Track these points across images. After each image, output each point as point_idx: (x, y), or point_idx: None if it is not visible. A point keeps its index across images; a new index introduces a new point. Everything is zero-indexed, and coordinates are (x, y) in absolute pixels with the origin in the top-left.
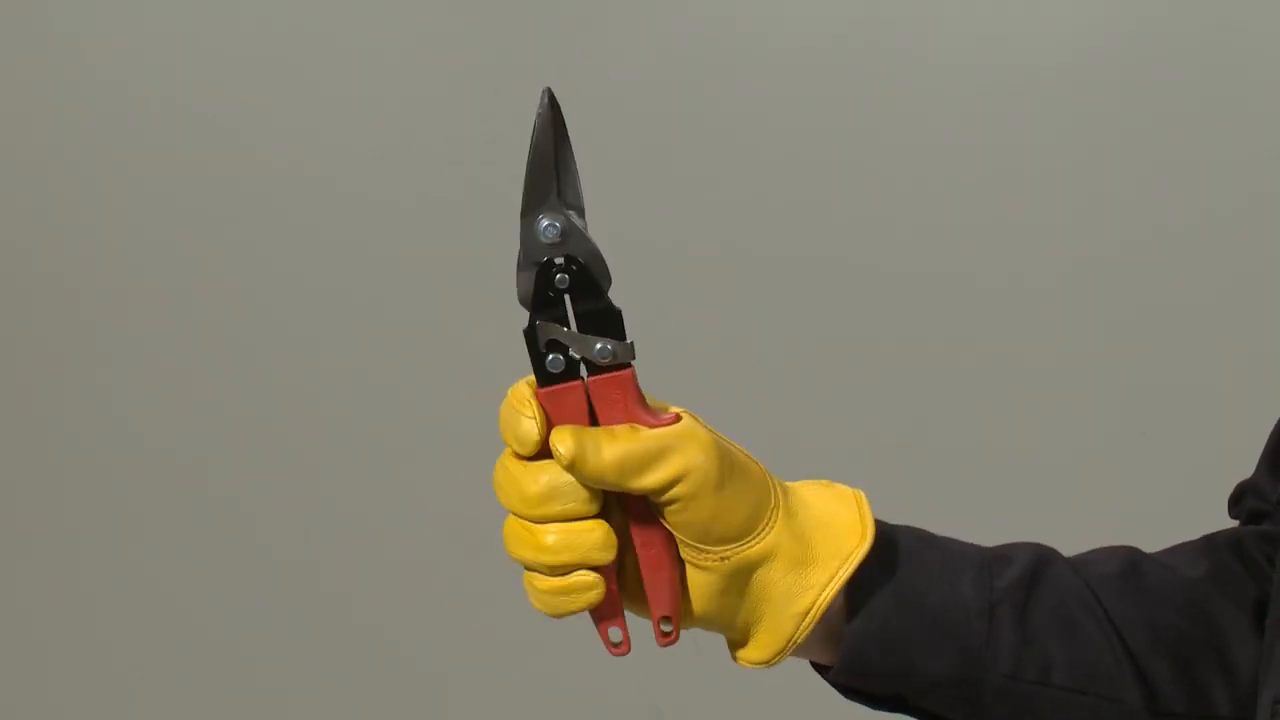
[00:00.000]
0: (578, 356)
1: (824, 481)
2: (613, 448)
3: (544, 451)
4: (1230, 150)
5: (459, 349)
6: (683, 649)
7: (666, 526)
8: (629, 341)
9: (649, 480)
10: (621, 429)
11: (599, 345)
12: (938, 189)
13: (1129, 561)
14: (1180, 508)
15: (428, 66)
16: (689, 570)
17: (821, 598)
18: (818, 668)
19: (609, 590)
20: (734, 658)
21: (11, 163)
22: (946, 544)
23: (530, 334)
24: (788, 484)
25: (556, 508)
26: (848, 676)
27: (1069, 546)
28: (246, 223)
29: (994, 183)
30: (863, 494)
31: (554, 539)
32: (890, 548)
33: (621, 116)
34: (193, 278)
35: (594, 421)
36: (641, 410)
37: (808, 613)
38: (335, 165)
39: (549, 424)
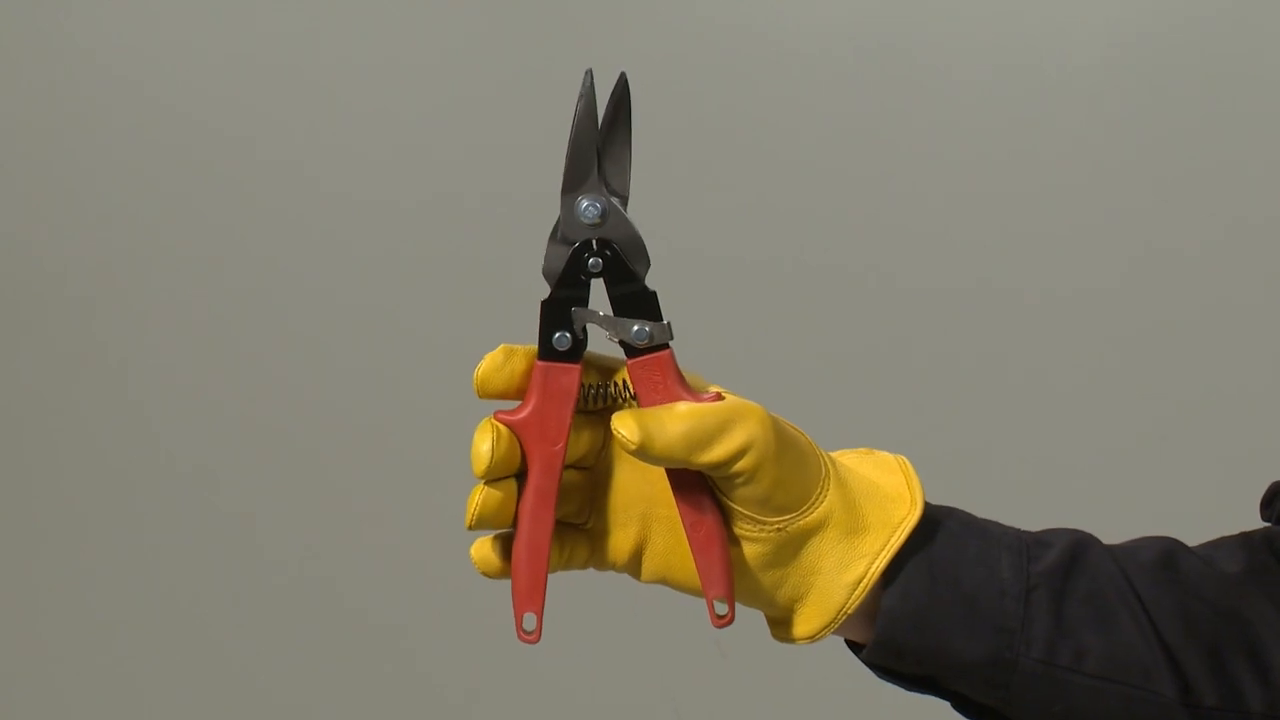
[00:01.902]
0: (617, 338)
1: (864, 449)
2: (679, 424)
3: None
4: (1255, 156)
5: (470, 355)
6: (707, 651)
7: (717, 505)
8: (666, 322)
9: (715, 454)
10: (681, 405)
11: (636, 327)
12: (957, 197)
13: (1166, 551)
14: (1202, 513)
15: (442, 73)
16: (743, 545)
17: (875, 566)
18: (851, 646)
19: (533, 571)
20: (775, 636)
21: (32, 169)
22: (985, 525)
23: (547, 306)
24: (832, 454)
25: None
26: (881, 656)
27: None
28: (256, 227)
29: (1015, 190)
30: (907, 460)
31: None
32: (930, 526)
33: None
34: (204, 282)
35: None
36: (683, 390)
37: (860, 582)
38: (349, 172)
39: (539, 400)
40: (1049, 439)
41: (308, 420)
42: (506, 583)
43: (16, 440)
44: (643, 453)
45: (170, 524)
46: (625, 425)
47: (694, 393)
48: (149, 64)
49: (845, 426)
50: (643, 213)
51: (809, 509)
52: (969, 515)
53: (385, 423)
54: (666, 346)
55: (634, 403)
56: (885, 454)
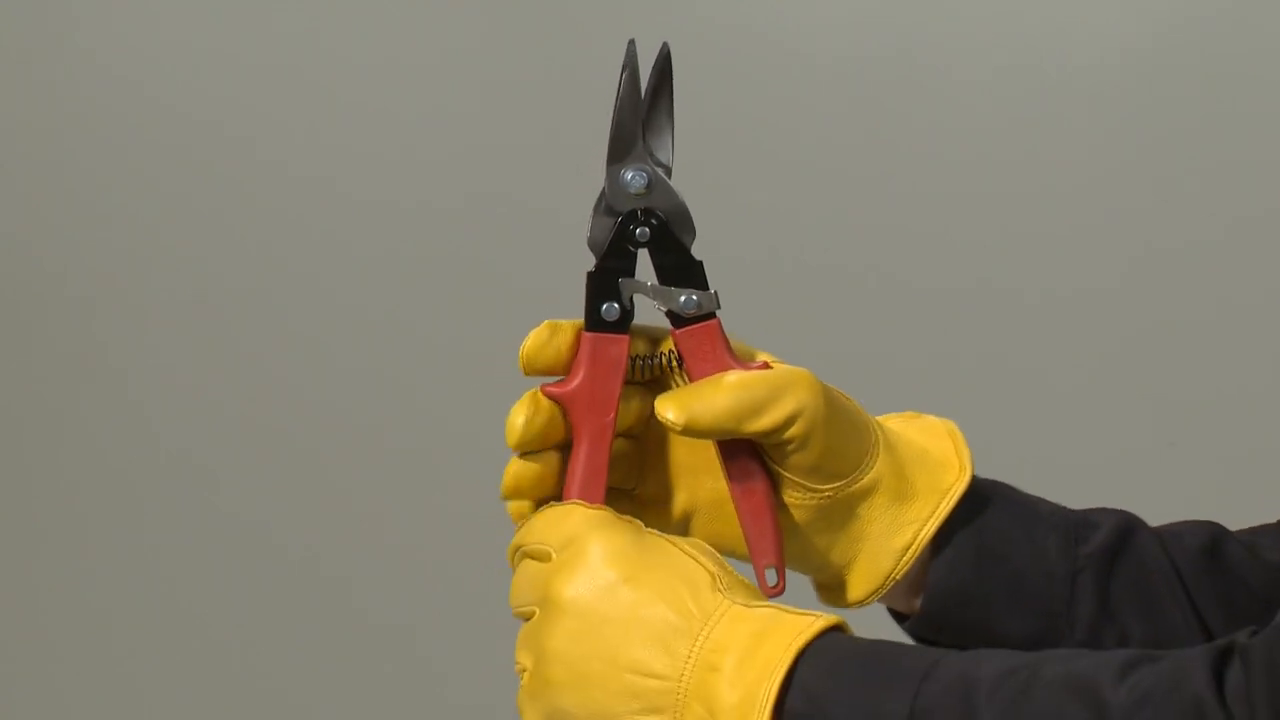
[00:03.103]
0: (665, 308)
1: (911, 413)
2: (726, 395)
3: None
4: (1255, 156)
5: (478, 356)
6: None
7: (767, 473)
8: (713, 291)
9: (765, 421)
10: (730, 376)
11: (683, 297)
12: (957, 197)
13: (1212, 537)
14: (1203, 513)
15: (443, 73)
16: (791, 511)
17: (923, 533)
18: (895, 615)
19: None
20: (823, 600)
21: (32, 169)
22: (1034, 503)
23: (594, 277)
24: (879, 418)
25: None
26: (924, 628)
27: None
28: (257, 227)
29: (1015, 190)
30: (955, 425)
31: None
32: (979, 500)
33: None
34: (204, 282)
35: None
36: (731, 358)
37: (908, 549)
38: (349, 172)
39: (589, 371)
40: (1049, 439)
41: (308, 420)
42: (509, 581)
43: (16, 440)
44: (690, 430)
45: (170, 524)
46: (669, 408)
47: (742, 361)
48: (149, 64)
49: None
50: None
51: (859, 474)
52: (1016, 491)
53: (386, 423)
54: (714, 315)
55: (682, 373)
56: (932, 418)
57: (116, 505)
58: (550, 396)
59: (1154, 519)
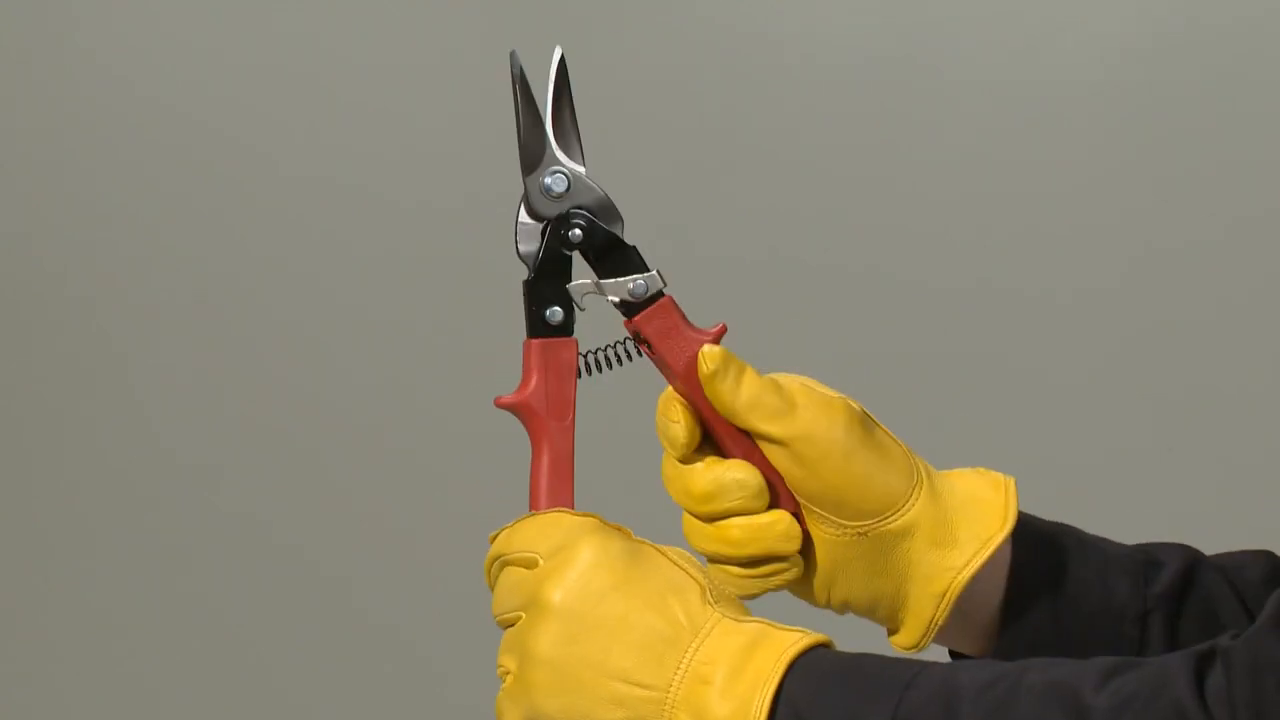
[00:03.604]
0: (616, 299)
1: (979, 469)
2: (753, 382)
3: (703, 449)
4: (1255, 156)
5: (478, 356)
6: None
7: (794, 503)
8: (655, 271)
9: (774, 428)
10: (778, 376)
11: (631, 284)
12: (957, 198)
13: (1274, 567)
14: (1203, 514)
15: (443, 73)
16: (823, 545)
17: (957, 580)
18: (956, 656)
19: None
20: (893, 644)
21: (32, 169)
22: (1102, 545)
23: (531, 284)
24: (938, 470)
25: (723, 504)
26: None
27: None
28: (257, 227)
29: (1015, 191)
30: (1013, 482)
31: (738, 533)
32: (1052, 547)
33: (635, 122)
34: (205, 283)
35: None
36: (693, 329)
37: (944, 595)
38: (350, 172)
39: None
40: (1049, 439)
41: (308, 420)
42: None
43: (17, 440)
44: (712, 380)
45: (170, 524)
46: (715, 352)
47: (702, 330)
48: (149, 64)
49: None
50: (643, 212)
51: (894, 515)
52: (1082, 533)
53: (386, 423)
54: (663, 293)
55: (642, 358)
56: (997, 474)
57: (117, 505)
58: (504, 406)
59: (1153, 519)
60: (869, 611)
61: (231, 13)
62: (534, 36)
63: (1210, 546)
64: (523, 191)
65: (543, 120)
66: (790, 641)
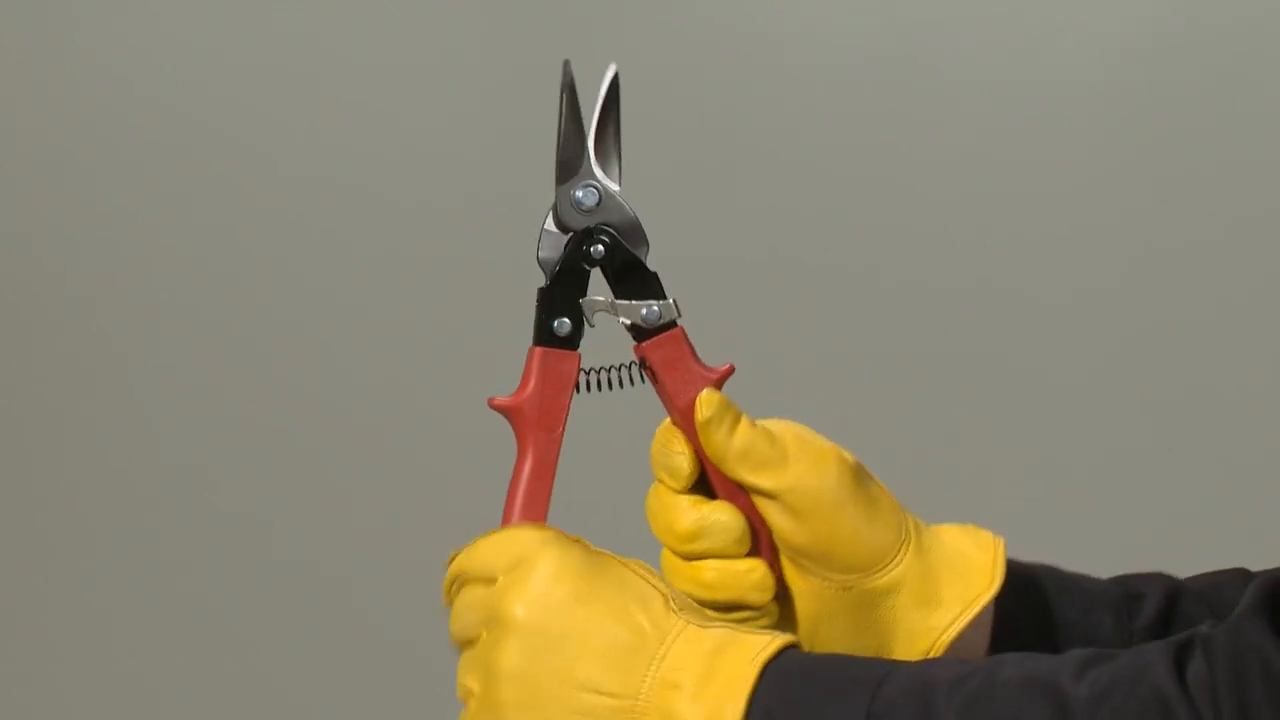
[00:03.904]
0: (627, 321)
1: (968, 526)
2: (746, 430)
3: (696, 486)
4: (1255, 156)
5: (478, 356)
6: None
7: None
8: (672, 300)
9: (763, 480)
10: (772, 424)
11: (645, 309)
12: (957, 198)
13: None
14: (1203, 514)
15: (443, 73)
16: (808, 598)
17: (940, 641)
18: None
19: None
20: None
21: (32, 169)
22: (1082, 582)
23: (545, 293)
24: (926, 524)
25: (704, 545)
26: None
27: (1097, 564)
28: (258, 227)
29: (1015, 191)
30: (1002, 542)
31: (711, 575)
32: (1035, 592)
33: (635, 121)
34: (206, 283)
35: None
36: (698, 365)
37: (926, 654)
38: (350, 172)
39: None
40: (1049, 439)
41: (308, 420)
42: None
43: (17, 440)
44: (706, 427)
45: (170, 524)
46: (712, 398)
47: (709, 367)
48: (149, 64)
49: (846, 427)
50: (643, 212)
51: (881, 571)
52: (1061, 572)
53: (386, 423)
54: (676, 324)
55: (645, 384)
56: (985, 533)
57: (117, 505)
58: (496, 407)
59: (1153, 519)
60: None
61: (231, 13)
62: (534, 36)
63: (1210, 546)
64: (554, 200)
65: (585, 132)
66: (761, 645)
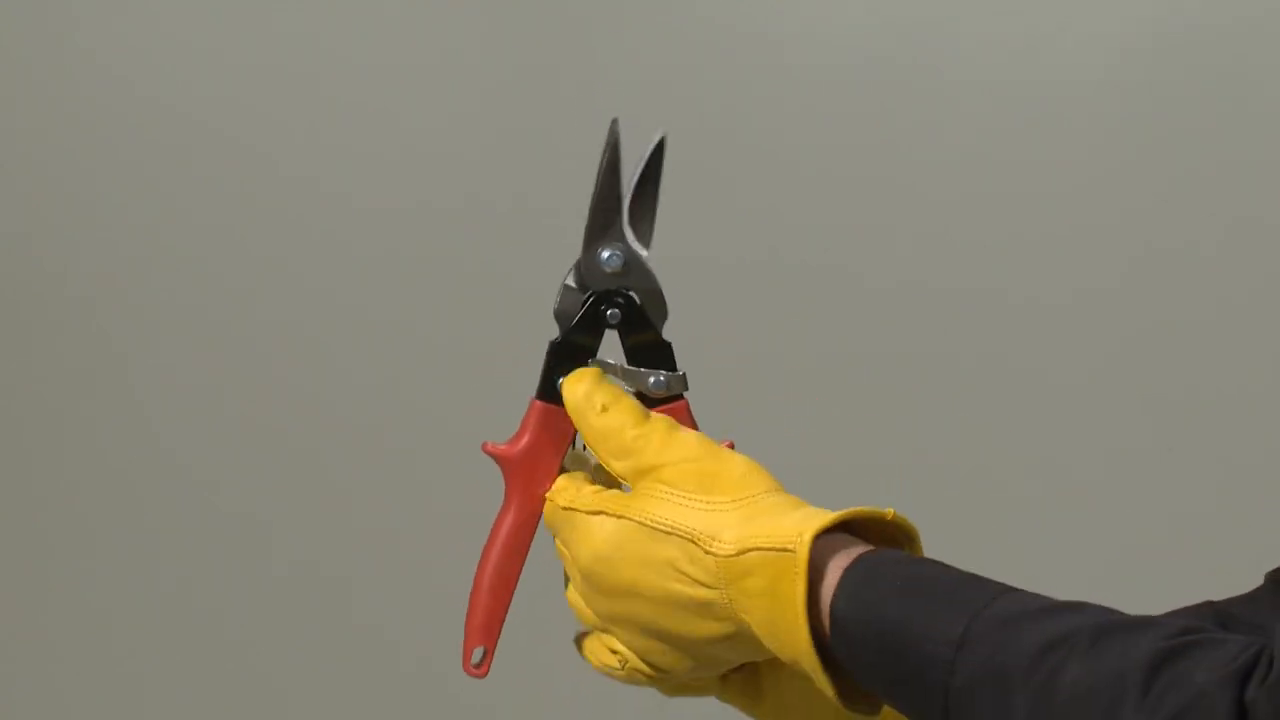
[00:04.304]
0: (633, 389)
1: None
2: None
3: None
4: (1255, 156)
5: (478, 356)
6: None
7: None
8: (681, 373)
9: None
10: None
11: (653, 379)
12: (957, 198)
13: (1219, 626)
14: (1203, 514)
15: (443, 75)
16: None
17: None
18: None
19: (494, 606)
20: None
21: (32, 169)
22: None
23: (556, 347)
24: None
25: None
26: None
27: (1093, 563)
28: (258, 228)
29: (1015, 191)
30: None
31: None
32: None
33: (634, 122)
34: (206, 283)
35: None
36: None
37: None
38: (351, 174)
39: (533, 439)
40: (1049, 439)
41: (308, 420)
42: (517, 589)
43: (17, 440)
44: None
45: (170, 524)
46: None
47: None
48: (149, 64)
49: (846, 427)
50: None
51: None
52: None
53: (386, 423)
54: (682, 396)
55: None
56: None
57: (117, 505)
58: (490, 454)
59: (1153, 519)
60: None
61: (231, 13)
62: (534, 36)
63: (1210, 546)
64: (578, 257)
65: (622, 194)
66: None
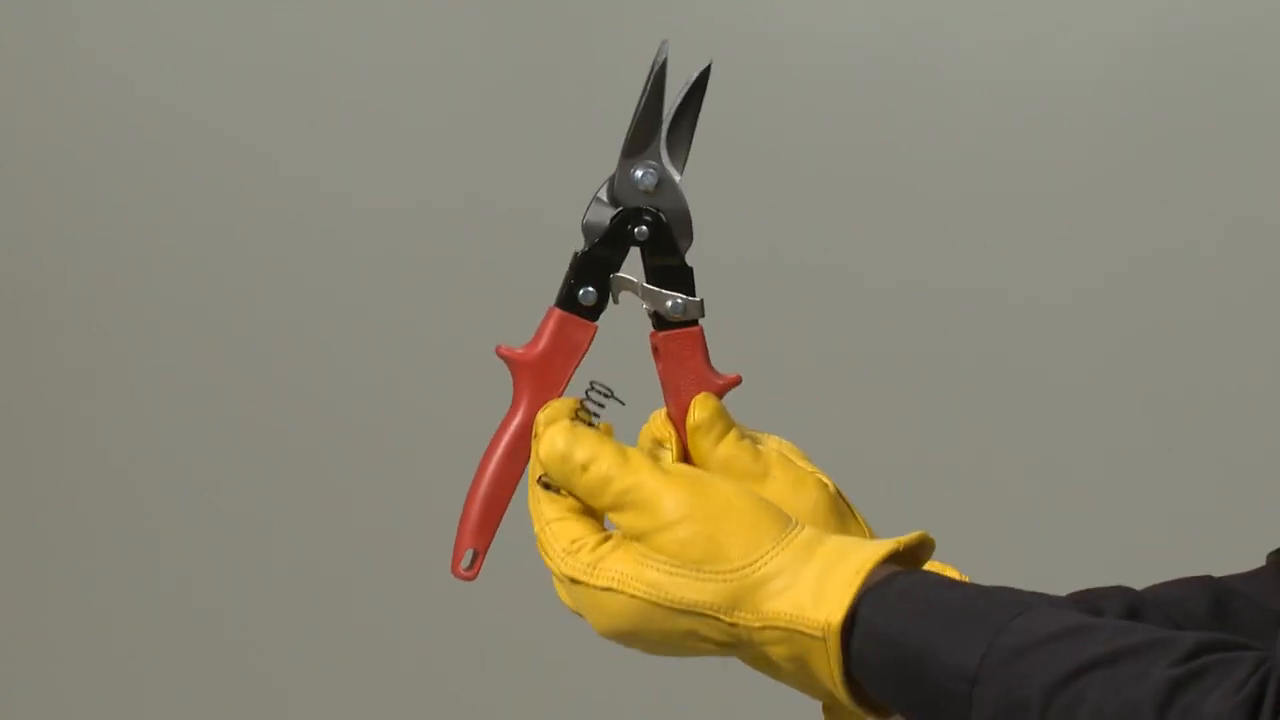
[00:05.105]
0: (651, 308)
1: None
2: (728, 445)
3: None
4: (1255, 157)
5: (478, 356)
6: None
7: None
8: (700, 299)
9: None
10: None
11: (670, 301)
12: (957, 198)
13: (1214, 598)
14: (1203, 515)
15: (443, 75)
16: None
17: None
18: None
19: (491, 507)
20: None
21: (32, 169)
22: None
23: (580, 259)
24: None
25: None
26: None
27: (1093, 563)
28: (258, 229)
29: (1015, 191)
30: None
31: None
32: None
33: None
34: (206, 284)
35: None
36: (707, 368)
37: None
38: (350, 174)
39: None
40: (1049, 439)
41: (308, 420)
42: (514, 588)
43: (17, 440)
44: (694, 435)
45: (170, 524)
46: (704, 406)
47: (717, 372)
48: (149, 64)
49: (845, 427)
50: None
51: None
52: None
53: (386, 423)
54: (697, 322)
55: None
56: (950, 569)
57: (117, 505)
58: (502, 356)
59: (1153, 519)
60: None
61: (231, 13)
62: (534, 36)
63: (1210, 546)
64: (613, 172)
65: (662, 115)
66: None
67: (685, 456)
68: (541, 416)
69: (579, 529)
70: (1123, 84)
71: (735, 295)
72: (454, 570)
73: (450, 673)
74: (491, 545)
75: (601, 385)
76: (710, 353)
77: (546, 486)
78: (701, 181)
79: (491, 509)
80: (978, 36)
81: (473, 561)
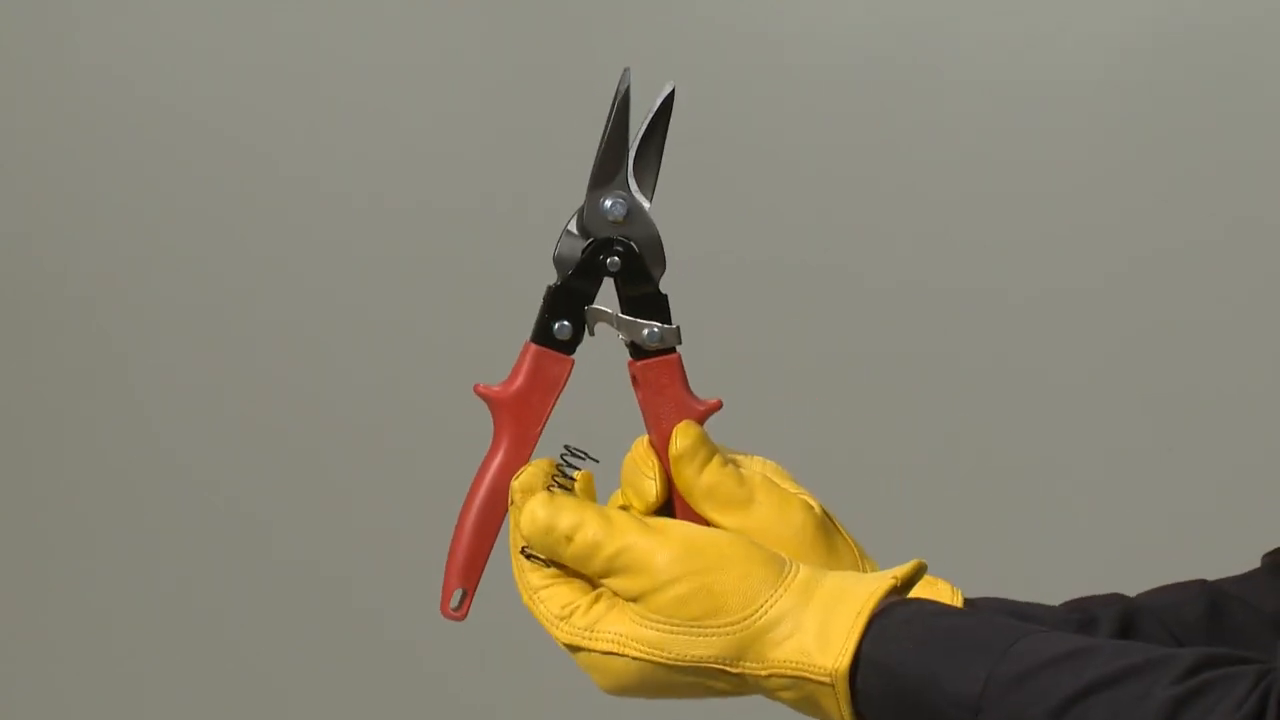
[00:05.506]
0: (627, 339)
1: (936, 582)
2: (711, 473)
3: (663, 509)
4: (1255, 156)
5: (478, 356)
6: None
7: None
8: (675, 326)
9: (726, 519)
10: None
11: (647, 330)
12: (957, 198)
13: (1210, 603)
14: (1203, 515)
15: (443, 75)
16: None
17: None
18: None
19: (477, 547)
20: None
21: (32, 169)
22: (1034, 612)
23: (554, 292)
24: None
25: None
26: None
27: (1093, 563)
28: (258, 228)
29: (1015, 191)
30: (959, 593)
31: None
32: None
33: (634, 122)
34: (206, 284)
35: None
36: (687, 394)
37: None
38: (350, 174)
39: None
40: (1049, 439)
41: (308, 420)
42: (513, 588)
43: (17, 440)
44: (677, 463)
45: (170, 524)
46: (685, 434)
47: (697, 398)
48: (149, 64)
49: (845, 427)
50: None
51: None
52: (1012, 602)
53: (386, 423)
54: (674, 350)
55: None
56: (944, 584)
57: (117, 505)
58: (480, 395)
59: (1153, 519)
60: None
61: (231, 13)
62: (534, 36)
63: (1210, 546)
64: (582, 203)
65: (629, 143)
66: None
67: (669, 485)
68: (516, 484)
69: (568, 594)
70: (1123, 84)
71: (735, 295)
72: (443, 610)
73: (450, 673)
74: (488, 552)
75: (576, 449)
76: (710, 353)
77: (530, 557)
78: (702, 181)
79: (477, 550)
80: (978, 36)
81: (461, 601)
